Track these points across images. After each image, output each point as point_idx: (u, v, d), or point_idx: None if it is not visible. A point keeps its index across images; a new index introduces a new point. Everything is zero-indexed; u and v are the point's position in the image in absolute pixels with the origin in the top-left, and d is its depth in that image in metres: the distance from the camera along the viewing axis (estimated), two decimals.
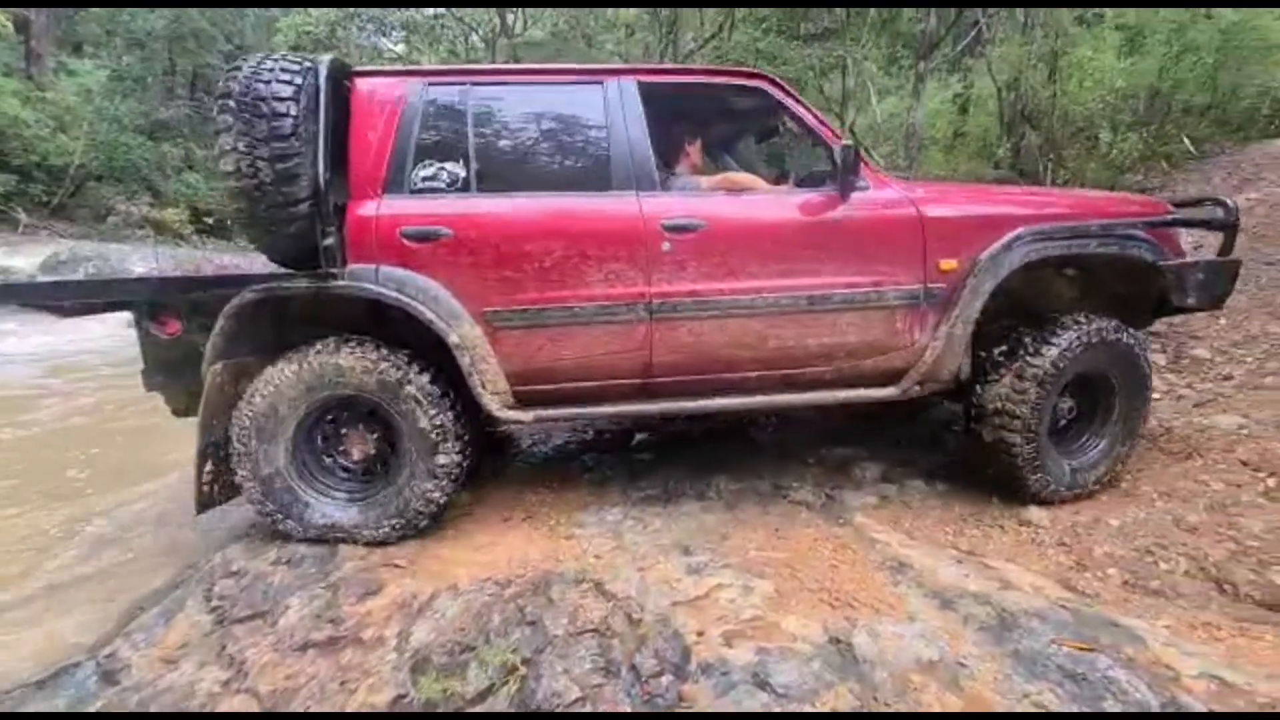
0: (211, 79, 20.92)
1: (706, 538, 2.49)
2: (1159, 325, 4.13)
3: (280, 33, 13.67)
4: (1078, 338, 2.64)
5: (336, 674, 1.87)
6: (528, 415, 2.54)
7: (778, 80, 2.79)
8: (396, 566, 2.33)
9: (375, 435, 2.56)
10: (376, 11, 14.16)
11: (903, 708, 1.63)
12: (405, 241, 2.43)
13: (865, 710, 1.63)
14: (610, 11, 13.87)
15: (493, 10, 13.87)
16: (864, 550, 2.39)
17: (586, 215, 2.54)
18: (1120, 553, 2.39)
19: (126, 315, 2.54)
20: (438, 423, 2.45)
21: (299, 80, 2.35)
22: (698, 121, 3.13)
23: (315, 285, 2.40)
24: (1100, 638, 1.83)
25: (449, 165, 2.53)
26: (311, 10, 13.49)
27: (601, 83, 2.66)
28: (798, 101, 2.77)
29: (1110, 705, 1.61)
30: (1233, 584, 2.17)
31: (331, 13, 13.30)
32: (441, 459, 2.47)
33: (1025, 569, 2.32)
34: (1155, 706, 1.60)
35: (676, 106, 2.87)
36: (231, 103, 2.30)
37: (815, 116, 2.76)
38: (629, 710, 1.69)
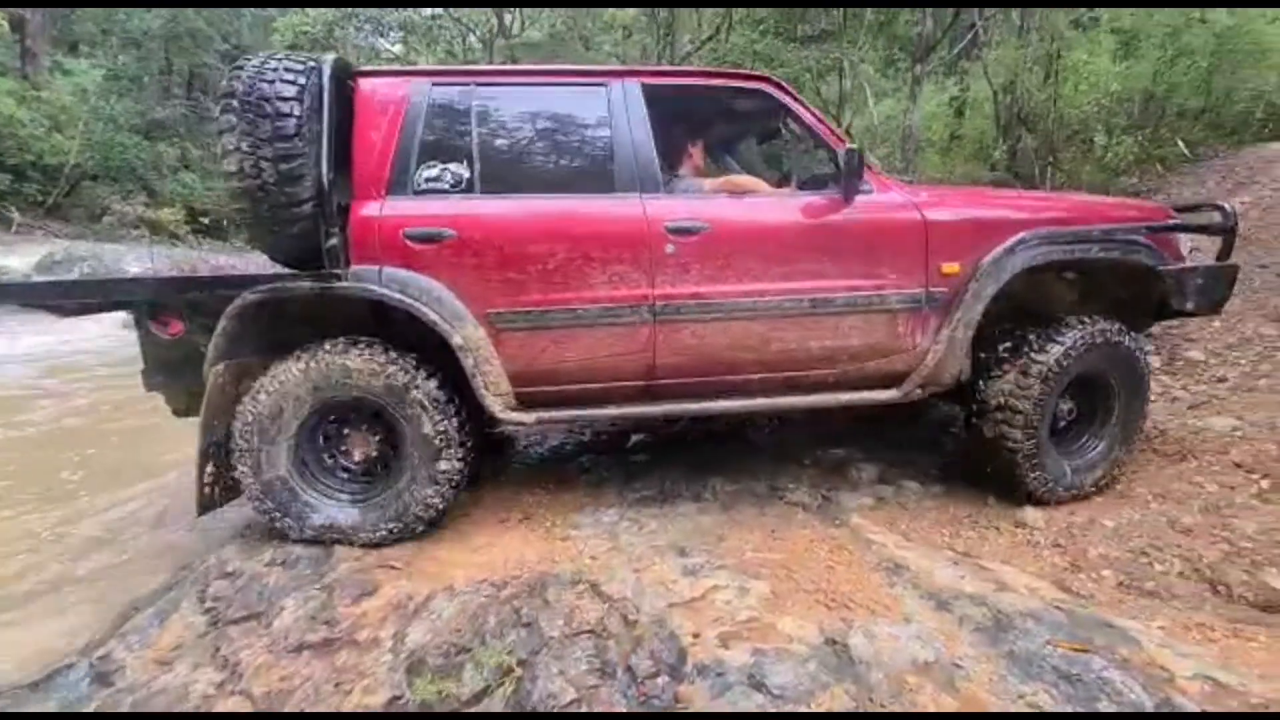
0: (208, 79, 20.88)
1: (703, 539, 2.49)
2: (1154, 328, 4.14)
3: (277, 32, 13.64)
4: (1082, 337, 2.65)
5: (331, 675, 1.86)
6: (530, 417, 2.53)
7: (782, 83, 2.79)
8: (392, 568, 2.32)
9: (378, 438, 2.55)
10: (374, 12, 14.15)
11: (898, 708, 1.63)
12: (409, 243, 2.41)
13: (861, 711, 1.63)
14: (607, 13, 13.89)
15: (490, 11, 13.87)
16: (860, 551, 2.39)
17: (590, 217, 2.54)
18: (1115, 554, 2.40)
19: (121, 315, 2.53)
20: (442, 429, 2.44)
21: (303, 80, 2.34)
22: (700, 123, 3.13)
23: (319, 286, 2.39)
24: (1095, 639, 1.84)
25: (453, 166, 2.52)
26: (309, 10, 13.46)
27: (606, 84, 2.65)
28: (802, 105, 2.77)
29: (1105, 706, 1.61)
30: (1226, 585, 2.19)
31: (329, 13, 13.28)
32: (444, 465, 2.46)
33: (1021, 570, 2.33)
34: (1149, 707, 1.60)
35: (679, 108, 2.87)
36: (235, 102, 2.29)
37: (819, 120, 2.77)
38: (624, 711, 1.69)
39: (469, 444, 2.54)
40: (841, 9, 10.26)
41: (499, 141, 2.62)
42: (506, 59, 12.80)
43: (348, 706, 1.77)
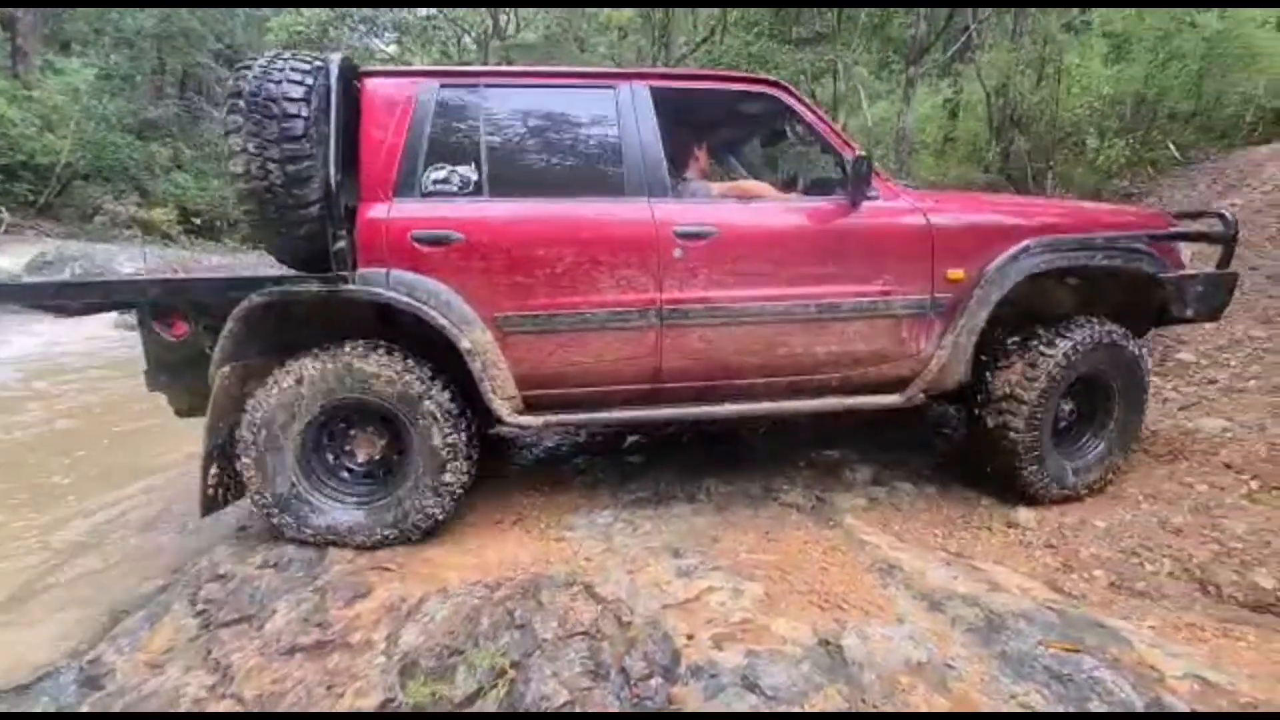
0: (201, 78, 20.80)
1: (697, 540, 2.49)
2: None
3: (271, 32, 13.60)
4: (1090, 335, 2.69)
5: (324, 678, 1.85)
6: (537, 420, 2.53)
7: (790, 87, 2.79)
8: (385, 569, 2.32)
9: (384, 442, 2.54)
10: (368, 12, 14.13)
11: (891, 709, 1.64)
12: (416, 245, 2.40)
13: (854, 711, 1.63)
14: (603, 14, 13.89)
15: (485, 11, 13.87)
16: (853, 552, 2.40)
17: (599, 221, 2.54)
18: (1106, 554, 2.42)
19: (112, 317, 2.52)
20: (450, 441, 2.43)
21: (310, 80, 2.32)
22: (707, 126, 3.13)
23: (326, 289, 2.38)
24: (1086, 639, 1.85)
25: (460, 168, 2.50)
26: (303, 10, 13.43)
27: (614, 87, 2.64)
28: (810, 109, 2.78)
29: (1096, 706, 1.62)
30: (1216, 585, 2.20)
31: (323, 13, 13.25)
32: (448, 477, 2.45)
33: (1013, 571, 2.34)
34: (1140, 707, 1.61)
35: (687, 111, 2.86)
36: (242, 103, 2.27)
37: (828, 125, 2.77)
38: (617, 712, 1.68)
39: (475, 457, 2.54)
40: (836, 12, 10.31)
41: (507, 143, 2.60)
42: (501, 60, 12.80)
43: (340, 709, 1.76)
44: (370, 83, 2.53)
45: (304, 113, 2.28)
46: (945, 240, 2.64)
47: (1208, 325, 4.20)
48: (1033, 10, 9.08)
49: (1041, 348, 2.68)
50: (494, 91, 2.60)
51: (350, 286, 2.37)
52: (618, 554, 2.39)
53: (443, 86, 2.54)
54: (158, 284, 2.57)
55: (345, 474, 2.55)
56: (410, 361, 2.41)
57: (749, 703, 1.65)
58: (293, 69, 2.32)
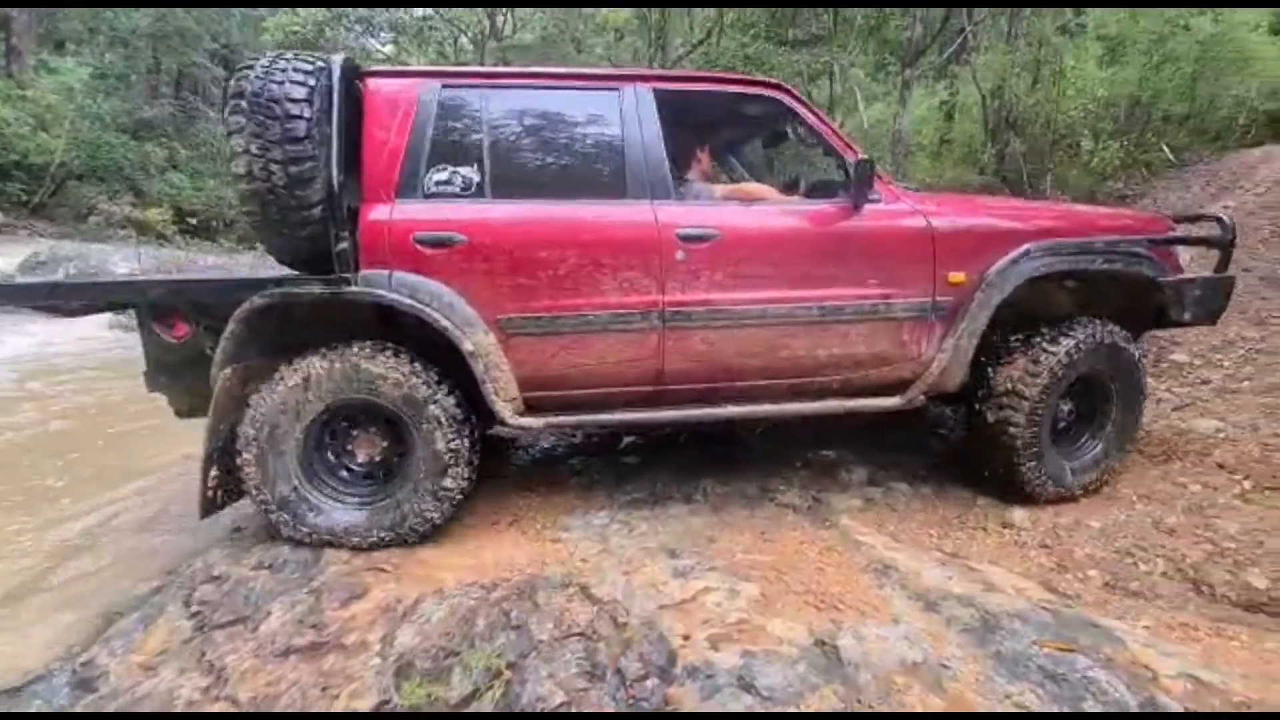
0: (197, 78, 20.73)
1: (693, 541, 2.49)
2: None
3: (267, 32, 13.56)
4: (1092, 334, 2.71)
5: (318, 680, 1.85)
6: (539, 422, 2.53)
7: (793, 90, 2.79)
8: (381, 571, 2.31)
9: (385, 443, 2.53)
10: (364, 12, 14.11)
11: (886, 709, 1.64)
12: (419, 247, 2.39)
13: (850, 711, 1.63)
14: (599, 15, 13.90)
15: (482, 12, 13.86)
16: (849, 553, 2.40)
17: (602, 223, 2.53)
18: (1100, 554, 2.43)
19: (106, 318, 2.51)
20: (454, 446, 2.42)
21: (313, 81, 2.31)
22: (709, 128, 3.13)
23: (328, 291, 2.37)
24: (1080, 639, 1.85)
25: (463, 169, 2.50)
26: (299, 10, 13.40)
27: (618, 88, 2.64)
28: (813, 112, 2.78)
29: (1090, 705, 1.63)
30: (1210, 585, 2.21)
31: (319, 13, 13.22)
32: (449, 482, 2.44)
33: (1008, 571, 2.34)
34: (1134, 706, 1.62)
35: (689, 113, 2.86)
36: (244, 103, 2.26)
37: (830, 127, 2.77)
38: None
39: (476, 463, 2.53)
40: (832, 13, 10.33)
41: (510, 145, 2.59)
42: (498, 61, 12.79)
43: (335, 711, 1.75)
44: (372, 83, 2.52)
45: (306, 114, 2.27)
46: (947, 243, 2.65)
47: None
48: (1028, 13, 9.13)
49: (1045, 345, 2.70)
50: (497, 93, 2.59)
51: (353, 288, 2.37)
52: (614, 555, 2.38)
53: (445, 87, 2.54)
54: (158, 285, 2.56)
55: (345, 473, 2.55)
56: (417, 365, 2.40)
57: (745, 703, 1.64)
58: (295, 70, 2.31)
